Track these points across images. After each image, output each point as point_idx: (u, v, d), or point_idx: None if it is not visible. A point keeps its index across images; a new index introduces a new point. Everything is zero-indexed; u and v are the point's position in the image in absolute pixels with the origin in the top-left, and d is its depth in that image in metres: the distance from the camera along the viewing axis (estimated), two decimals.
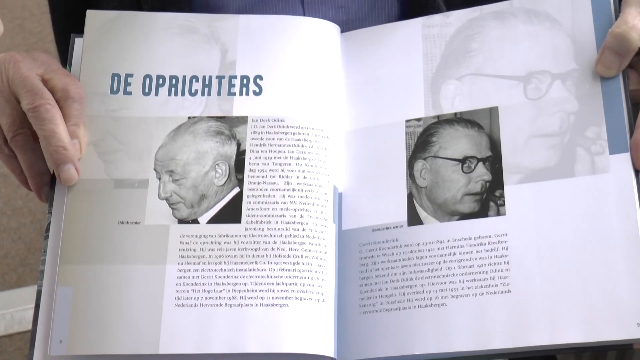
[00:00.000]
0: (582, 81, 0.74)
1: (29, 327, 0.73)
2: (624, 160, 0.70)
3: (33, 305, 0.73)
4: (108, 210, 0.74)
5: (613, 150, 0.71)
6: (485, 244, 0.71)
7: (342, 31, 0.81)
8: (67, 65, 0.81)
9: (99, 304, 0.72)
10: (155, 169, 0.75)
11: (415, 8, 0.85)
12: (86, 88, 0.78)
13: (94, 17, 0.81)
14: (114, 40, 0.80)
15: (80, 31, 0.82)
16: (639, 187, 0.69)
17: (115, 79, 0.79)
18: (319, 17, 0.82)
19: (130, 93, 0.78)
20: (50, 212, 0.76)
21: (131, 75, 0.79)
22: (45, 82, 0.76)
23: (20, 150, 0.76)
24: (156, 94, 0.78)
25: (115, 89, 0.78)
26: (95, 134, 0.77)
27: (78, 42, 0.82)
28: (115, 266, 0.73)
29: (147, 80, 0.78)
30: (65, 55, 0.85)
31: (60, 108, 0.76)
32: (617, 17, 0.74)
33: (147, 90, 0.78)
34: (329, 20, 0.81)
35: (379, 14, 0.87)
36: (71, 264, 0.73)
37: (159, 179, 0.75)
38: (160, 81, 0.78)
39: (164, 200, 0.74)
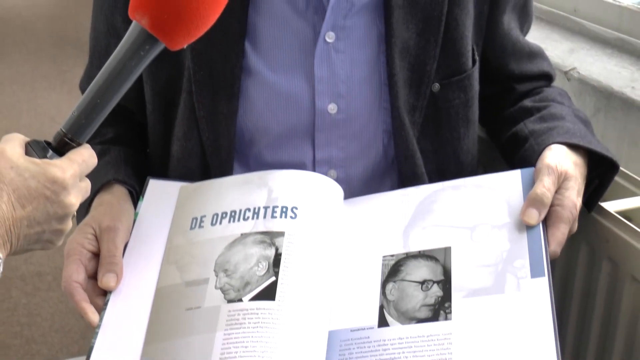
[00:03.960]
0: (513, 229, 0.96)
1: None
2: (542, 282, 0.90)
3: None
4: (180, 303, 0.95)
5: (534, 275, 0.91)
6: (435, 340, 0.88)
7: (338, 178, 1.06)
8: (141, 196, 1.06)
9: None
10: (214, 270, 0.96)
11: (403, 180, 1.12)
12: (175, 228, 1.02)
13: (185, 188, 1.07)
14: (195, 199, 1.05)
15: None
16: (552, 302, 0.89)
17: (194, 220, 1.02)
18: (324, 155, 1.09)
19: (202, 227, 1.01)
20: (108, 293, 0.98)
21: (205, 216, 1.02)
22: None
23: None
24: (220, 223, 1.00)
25: (193, 226, 1.02)
26: (176, 255, 1.00)
27: (152, 183, 1.08)
28: (181, 339, 0.91)
29: (215, 216, 1.01)
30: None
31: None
32: None
33: (214, 222, 1.01)
34: (332, 156, 1.08)
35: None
36: (153, 343, 0.92)
37: (217, 276, 0.95)
38: (224, 215, 1.01)
39: (219, 289, 0.94)
